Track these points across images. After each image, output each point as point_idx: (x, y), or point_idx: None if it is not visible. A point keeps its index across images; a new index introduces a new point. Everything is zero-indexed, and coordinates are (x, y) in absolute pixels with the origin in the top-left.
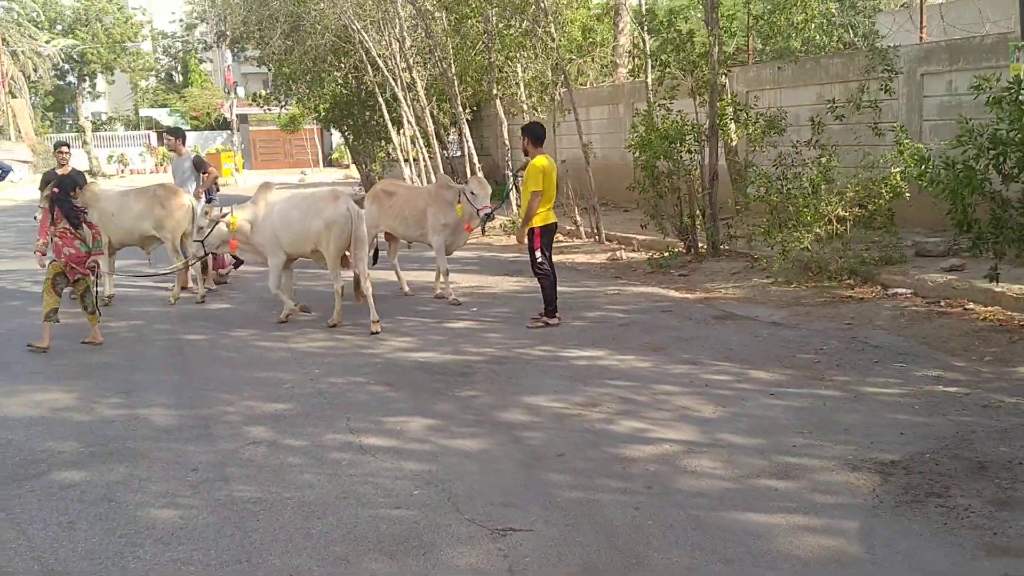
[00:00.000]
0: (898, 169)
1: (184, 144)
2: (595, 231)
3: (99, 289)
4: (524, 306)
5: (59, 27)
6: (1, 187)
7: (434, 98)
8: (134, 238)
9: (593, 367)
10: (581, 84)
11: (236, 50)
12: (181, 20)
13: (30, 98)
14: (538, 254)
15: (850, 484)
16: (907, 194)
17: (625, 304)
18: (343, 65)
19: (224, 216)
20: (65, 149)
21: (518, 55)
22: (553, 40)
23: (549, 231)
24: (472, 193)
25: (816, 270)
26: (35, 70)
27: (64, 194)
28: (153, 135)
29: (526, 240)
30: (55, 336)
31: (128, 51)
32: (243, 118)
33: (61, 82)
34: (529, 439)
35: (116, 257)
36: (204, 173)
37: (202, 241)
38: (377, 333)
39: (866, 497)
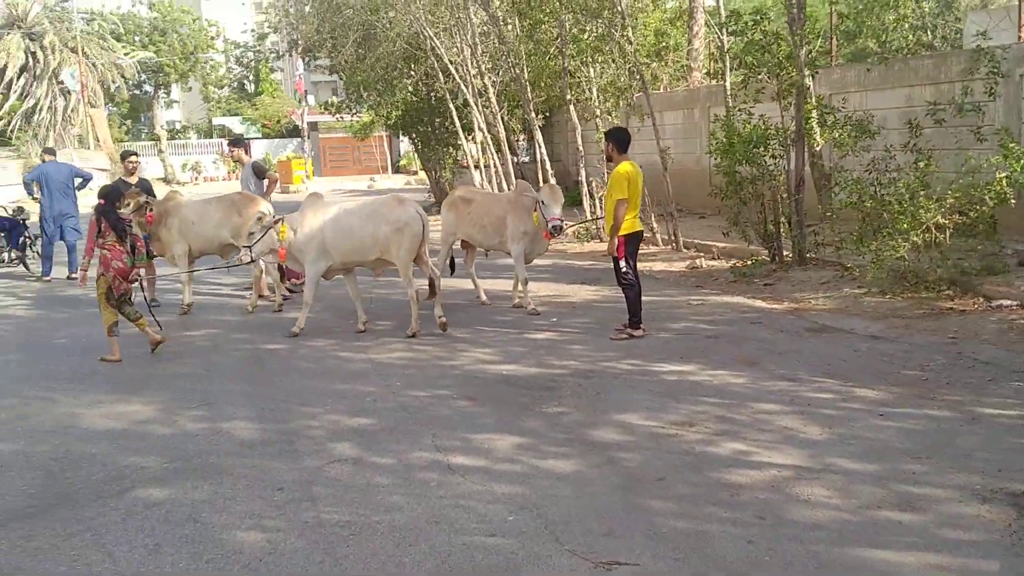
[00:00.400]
0: (1004, 174)
1: (247, 152)
2: (672, 238)
3: (150, 302)
4: (605, 316)
5: (137, 38)
6: (81, 194)
7: (505, 104)
8: (214, 246)
9: (684, 382)
10: (654, 89)
11: (307, 59)
12: (253, 30)
13: (108, 108)
14: (623, 263)
15: (982, 518)
16: (1012, 200)
17: (711, 315)
18: (414, 72)
19: (276, 223)
20: (134, 158)
21: (593, 60)
22: (631, 43)
23: (635, 240)
24: (543, 203)
25: (912, 280)
26: (113, 81)
27: (110, 205)
28: (225, 143)
29: (614, 250)
30: (132, 345)
31: (202, 61)
32: (313, 126)
33: (138, 91)
34: (625, 461)
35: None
36: (264, 179)
37: (250, 247)
38: (445, 325)
39: (1002, 533)
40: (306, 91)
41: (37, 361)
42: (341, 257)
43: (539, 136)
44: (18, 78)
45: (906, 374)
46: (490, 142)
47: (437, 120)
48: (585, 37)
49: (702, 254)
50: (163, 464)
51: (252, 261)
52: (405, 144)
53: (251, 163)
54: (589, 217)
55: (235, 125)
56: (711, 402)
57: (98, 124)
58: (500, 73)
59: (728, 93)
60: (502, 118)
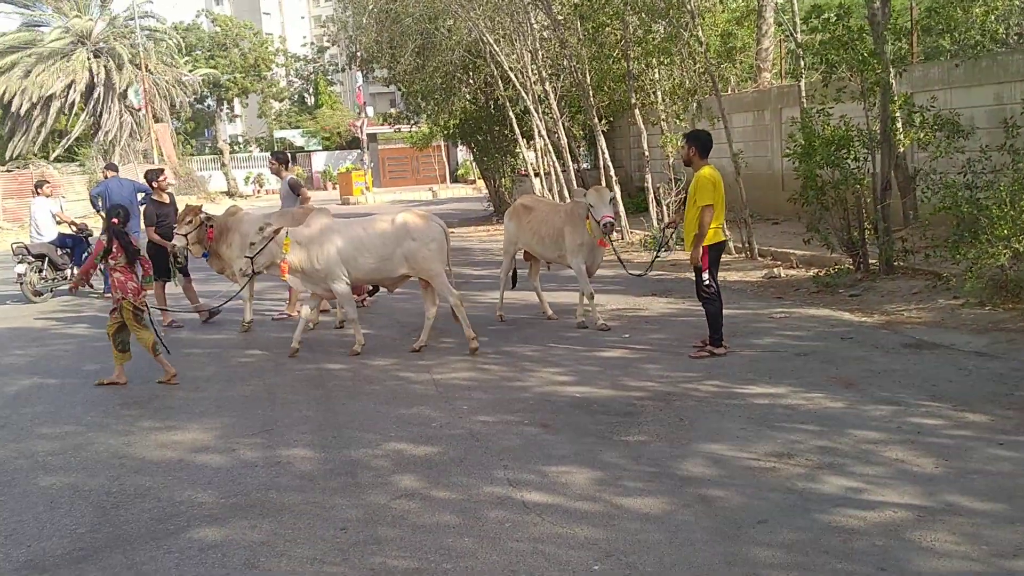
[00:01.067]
0: None
1: (286, 167)
2: (747, 246)
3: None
4: (682, 332)
5: (199, 52)
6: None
7: (567, 110)
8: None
9: (776, 407)
10: (722, 91)
11: (366, 71)
12: (312, 43)
13: (172, 123)
14: (706, 275)
15: None
16: None
17: (797, 329)
18: (472, 80)
19: (277, 234)
20: (163, 177)
21: (660, 62)
22: (700, 43)
23: (718, 250)
24: (591, 206)
25: (1014, 290)
26: (177, 97)
27: (123, 226)
28: (288, 155)
29: (698, 260)
30: (193, 368)
31: (263, 77)
32: (372, 137)
33: (200, 106)
34: (719, 500)
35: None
36: (298, 195)
37: (251, 258)
38: (476, 349)
39: None
40: (365, 102)
41: (92, 386)
42: (360, 276)
43: (602, 142)
44: (84, 95)
45: (1021, 396)
46: (551, 149)
47: (496, 128)
48: (651, 38)
49: (779, 263)
50: (220, 499)
51: (255, 274)
52: (463, 153)
53: (288, 179)
54: (657, 226)
55: (296, 137)
56: (809, 430)
57: (163, 139)
58: (561, 78)
59: (803, 94)
60: (563, 124)
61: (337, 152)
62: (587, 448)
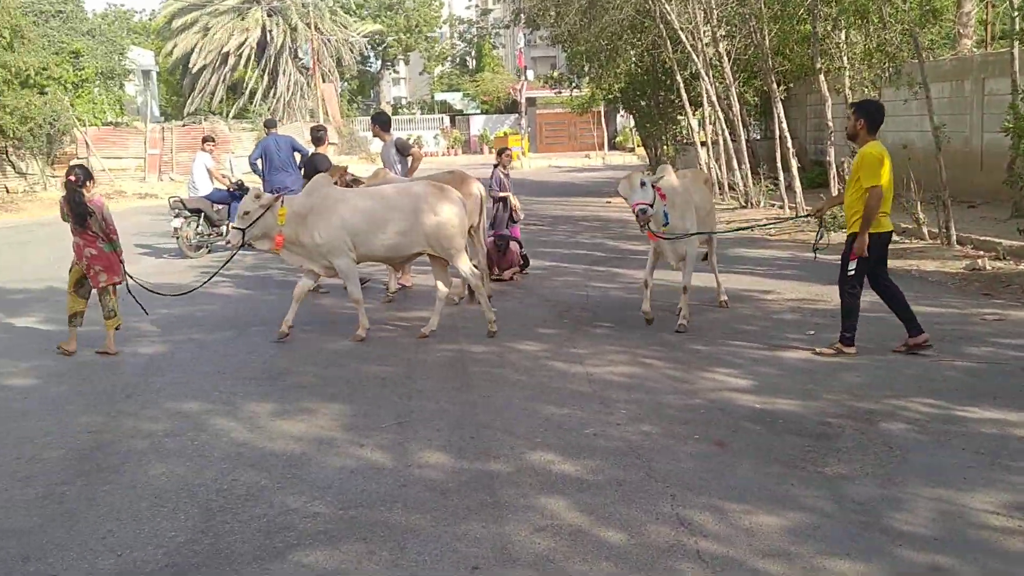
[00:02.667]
0: None
1: (386, 130)
2: (943, 231)
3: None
4: (877, 330)
5: (366, 13)
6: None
7: (740, 75)
8: None
9: (1010, 439)
10: (913, 58)
11: (530, 30)
12: (476, 5)
13: (338, 83)
14: (852, 265)
15: None
16: None
17: (1018, 336)
18: (639, 42)
19: (275, 202)
20: (323, 134)
21: (853, 23)
22: (905, 1)
23: (884, 242)
24: (625, 198)
25: None
26: (344, 57)
27: (80, 184)
28: (447, 118)
29: (864, 250)
30: (328, 338)
31: (426, 37)
32: (531, 101)
33: (364, 67)
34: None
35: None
36: (408, 156)
37: (243, 229)
38: (495, 333)
39: None
40: (526, 65)
41: (228, 353)
42: (370, 252)
43: (779, 109)
44: (257, 53)
45: None
46: (720, 116)
47: (661, 93)
48: None
49: (982, 253)
50: (338, 511)
51: (243, 245)
52: (622, 120)
53: (393, 140)
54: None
55: (456, 100)
56: None
57: (329, 99)
58: (736, 40)
59: (1016, 61)
60: (735, 90)
61: (495, 116)
62: (775, 480)
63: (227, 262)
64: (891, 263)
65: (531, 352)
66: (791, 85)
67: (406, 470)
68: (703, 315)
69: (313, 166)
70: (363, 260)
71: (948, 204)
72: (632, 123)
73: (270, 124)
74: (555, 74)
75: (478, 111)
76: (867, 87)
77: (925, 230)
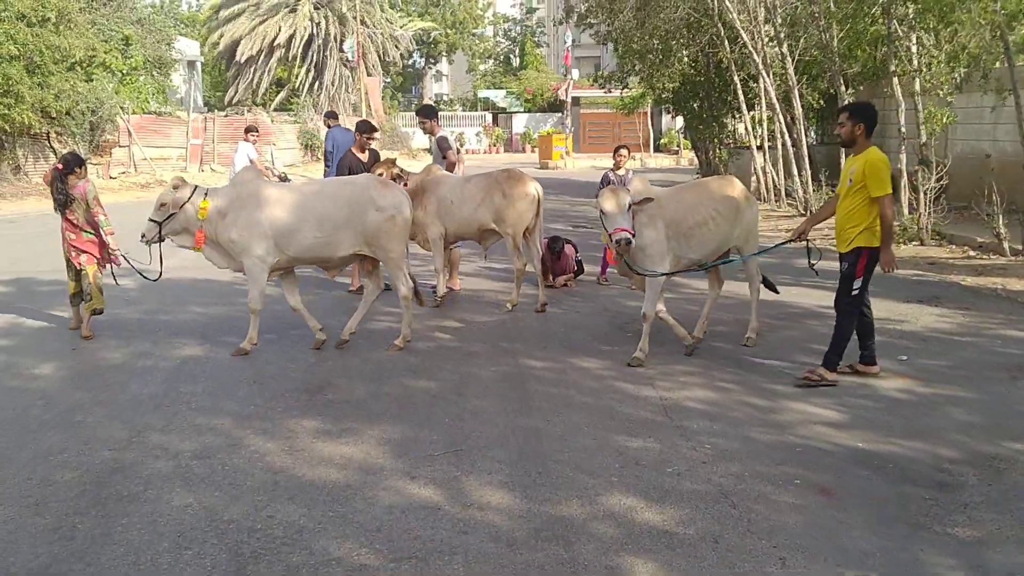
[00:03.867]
0: None
1: (435, 120)
2: None
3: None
4: (978, 359)
5: (413, 9)
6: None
7: (803, 77)
8: (472, 230)
9: None
10: (998, 62)
11: (582, 26)
12: (522, 3)
13: (383, 79)
14: (858, 283)
15: None
16: None
17: None
18: (695, 41)
19: (194, 196)
20: (374, 134)
21: (929, 24)
22: (996, 0)
23: (877, 258)
24: (603, 213)
25: None
26: (387, 52)
27: (67, 171)
28: (489, 116)
29: (893, 265)
30: (372, 346)
31: (472, 33)
32: (575, 100)
33: (408, 62)
34: None
35: (451, 252)
36: (444, 156)
37: (159, 222)
38: (400, 348)
39: None
40: (571, 64)
41: (265, 360)
42: (298, 253)
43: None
44: (304, 47)
45: None
46: (780, 119)
47: (715, 94)
48: None
49: None
50: (388, 563)
51: (160, 239)
52: (667, 121)
53: (439, 136)
54: (909, 216)
55: (499, 98)
56: None
57: (372, 94)
58: (801, 40)
59: None
60: (798, 91)
61: (539, 115)
62: (899, 543)
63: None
64: (972, 280)
65: (594, 370)
66: (860, 88)
67: (465, 512)
68: (777, 333)
69: (346, 164)
70: (293, 263)
71: None
72: (678, 125)
73: (332, 116)
74: (603, 73)
75: (521, 109)
76: (940, 91)
77: (1007, 245)
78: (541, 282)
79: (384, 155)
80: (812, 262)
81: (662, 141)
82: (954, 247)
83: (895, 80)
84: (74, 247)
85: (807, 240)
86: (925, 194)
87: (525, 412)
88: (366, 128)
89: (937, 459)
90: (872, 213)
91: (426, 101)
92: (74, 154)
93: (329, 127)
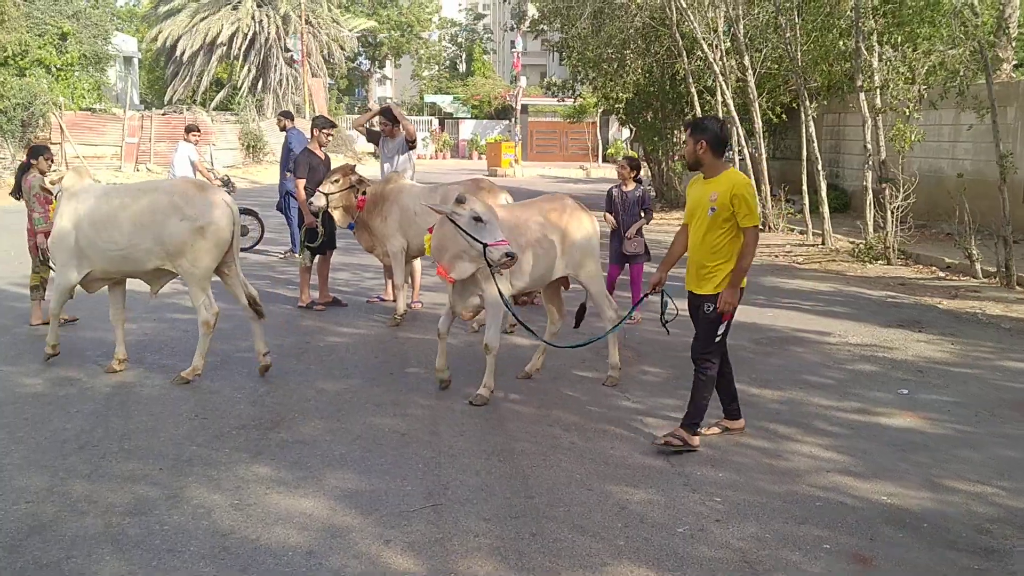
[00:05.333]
0: None
1: (396, 124)
2: (1002, 271)
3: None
4: (981, 394)
5: (360, 9)
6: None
7: (763, 91)
8: None
9: None
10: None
11: (536, 32)
12: (469, 9)
13: (328, 81)
14: (723, 328)
15: None
16: None
17: None
18: (654, 50)
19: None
20: (329, 131)
21: (911, 35)
22: (976, 15)
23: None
24: (478, 219)
25: None
26: (333, 53)
27: (32, 159)
28: (436, 121)
29: (733, 305)
30: (330, 374)
31: (418, 37)
32: (523, 108)
33: (353, 64)
34: None
35: (412, 268)
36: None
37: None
38: (268, 367)
39: None
40: (521, 70)
41: (208, 389)
42: (104, 267)
43: (811, 129)
44: (245, 45)
45: None
46: (742, 133)
47: (668, 105)
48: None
49: None
50: None
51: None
52: (614, 131)
53: (402, 136)
54: (875, 235)
55: (445, 103)
56: None
57: (317, 95)
58: (764, 51)
59: None
60: (761, 106)
61: (485, 121)
62: None
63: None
64: (948, 303)
65: (576, 402)
66: (825, 102)
67: None
68: (763, 360)
69: (305, 162)
70: (106, 276)
71: (1009, 241)
72: (624, 135)
73: (287, 116)
74: (554, 80)
75: (468, 115)
76: (907, 108)
77: (979, 267)
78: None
79: (334, 161)
80: (666, 319)
81: (609, 151)
82: (921, 267)
83: (861, 95)
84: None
85: (663, 291)
86: (892, 212)
87: (508, 455)
88: (324, 124)
89: (974, 517)
90: (740, 246)
91: (372, 103)
92: (36, 146)
93: (285, 128)
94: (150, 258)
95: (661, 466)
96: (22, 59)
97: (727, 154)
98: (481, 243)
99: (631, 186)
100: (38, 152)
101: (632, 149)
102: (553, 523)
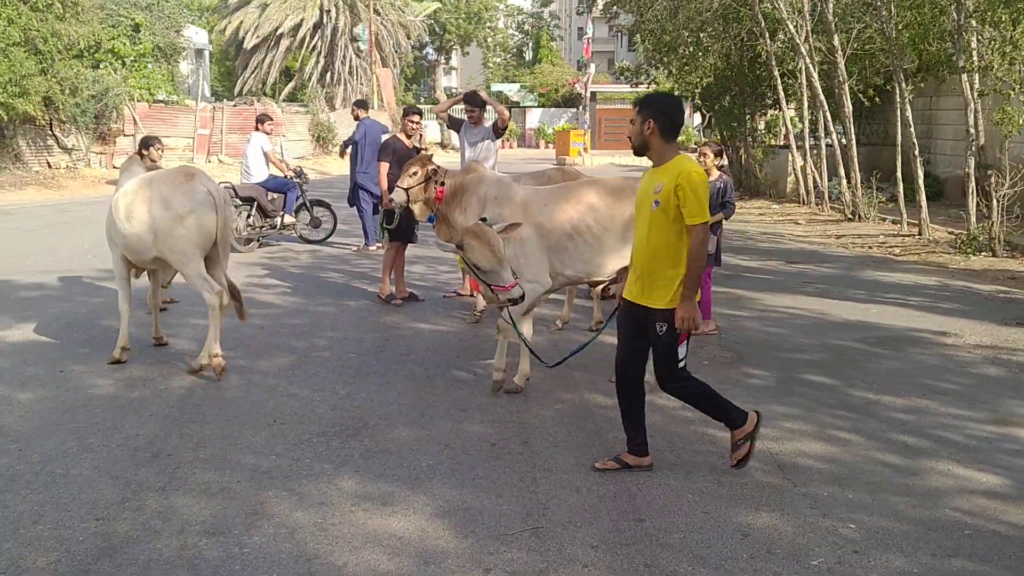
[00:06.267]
0: None
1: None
2: None
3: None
4: None
5: None
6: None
7: (856, 71)
8: None
9: None
10: None
11: (609, 16)
12: None
13: (395, 71)
14: (683, 350)
15: None
16: None
17: None
18: (729, 32)
19: None
20: (416, 118)
21: (1000, 17)
22: None
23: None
24: (475, 266)
25: None
26: (400, 43)
27: (144, 149)
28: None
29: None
30: (415, 377)
31: (485, 24)
32: (591, 96)
33: (419, 54)
34: None
35: None
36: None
37: None
38: (221, 370)
39: None
40: (591, 58)
41: (286, 391)
42: (126, 252)
43: (908, 112)
44: (312, 35)
45: None
46: (829, 118)
47: (748, 90)
48: None
49: None
50: None
51: None
52: (686, 118)
53: (489, 124)
54: (978, 225)
55: (512, 92)
56: None
57: (384, 84)
58: (855, 31)
59: None
60: (850, 88)
61: (553, 109)
62: None
63: None
64: None
65: (676, 411)
66: (922, 84)
67: None
68: (880, 363)
69: (391, 148)
70: (139, 264)
71: None
72: (696, 122)
73: (361, 105)
74: (626, 66)
75: (535, 104)
76: (1013, 89)
77: None
78: (596, 295)
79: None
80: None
81: (679, 138)
82: None
83: (963, 77)
84: None
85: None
86: (998, 201)
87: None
88: (408, 111)
89: None
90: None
91: (439, 93)
92: (147, 137)
93: (358, 118)
94: (148, 248)
95: (781, 484)
96: (96, 51)
97: (816, 139)
98: (488, 286)
99: (714, 175)
100: (148, 143)
101: (704, 135)
102: (668, 552)
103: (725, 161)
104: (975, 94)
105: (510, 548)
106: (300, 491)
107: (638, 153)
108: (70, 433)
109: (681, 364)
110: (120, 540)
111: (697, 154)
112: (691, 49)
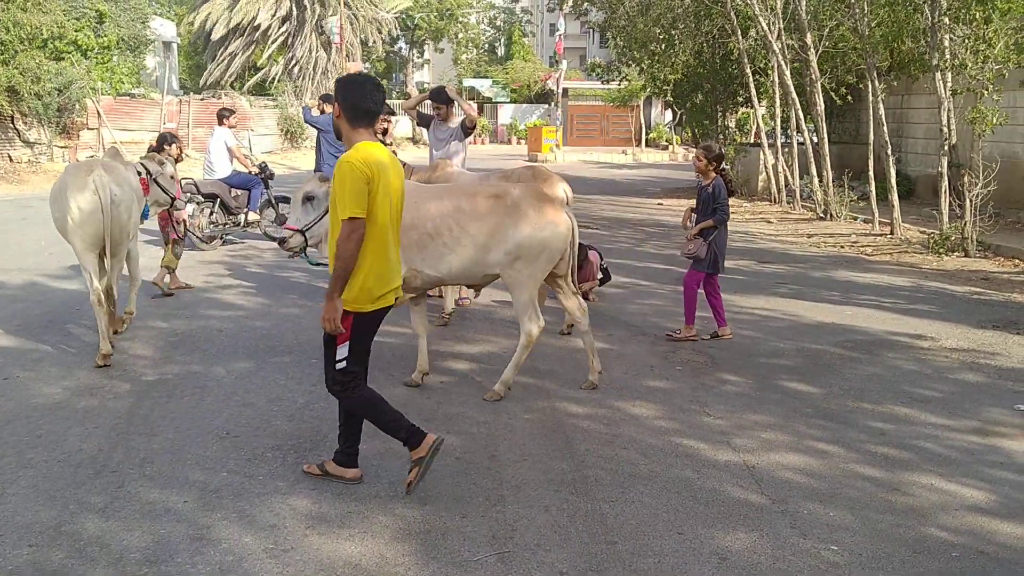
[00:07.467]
0: None
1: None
2: None
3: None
4: None
5: None
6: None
7: (826, 70)
8: None
9: None
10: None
11: (576, 16)
12: None
13: (365, 65)
14: (343, 351)
15: None
16: None
17: None
18: (701, 29)
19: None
20: (390, 118)
21: (974, 16)
22: None
23: (374, 320)
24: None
25: None
26: (371, 36)
27: (159, 148)
28: (474, 105)
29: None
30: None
31: (457, 20)
32: (563, 92)
33: (391, 48)
34: None
35: None
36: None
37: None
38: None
39: None
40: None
41: (242, 400)
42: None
43: (880, 111)
44: (280, 27)
45: None
46: (801, 116)
47: (720, 87)
48: None
49: None
50: None
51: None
52: (656, 115)
53: (460, 120)
54: (951, 225)
55: (484, 88)
56: None
57: None
58: (828, 30)
59: None
60: (823, 86)
61: (525, 105)
62: None
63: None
64: None
65: (649, 420)
66: (895, 82)
67: None
68: (856, 368)
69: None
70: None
71: None
72: (666, 119)
73: (327, 100)
74: (597, 62)
75: (507, 100)
76: (987, 89)
77: None
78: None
79: None
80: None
81: (651, 135)
82: (1003, 259)
83: (936, 76)
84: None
85: None
86: (971, 201)
87: (580, 486)
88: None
89: None
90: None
91: (410, 88)
92: (164, 134)
93: (323, 112)
94: (66, 236)
95: (759, 502)
96: (59, 42)
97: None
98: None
99: (709, 179)
100: (166, 140)
101: (676, 133)
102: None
103: (726, 165)
104: (948, 92)
105: (474, 568)
106: (251, 512)
107: (337, 139)
108: (8, 447)
109: (340, 366)
110: (53, 570)
111: (693, 158)
112: (662, 46)
